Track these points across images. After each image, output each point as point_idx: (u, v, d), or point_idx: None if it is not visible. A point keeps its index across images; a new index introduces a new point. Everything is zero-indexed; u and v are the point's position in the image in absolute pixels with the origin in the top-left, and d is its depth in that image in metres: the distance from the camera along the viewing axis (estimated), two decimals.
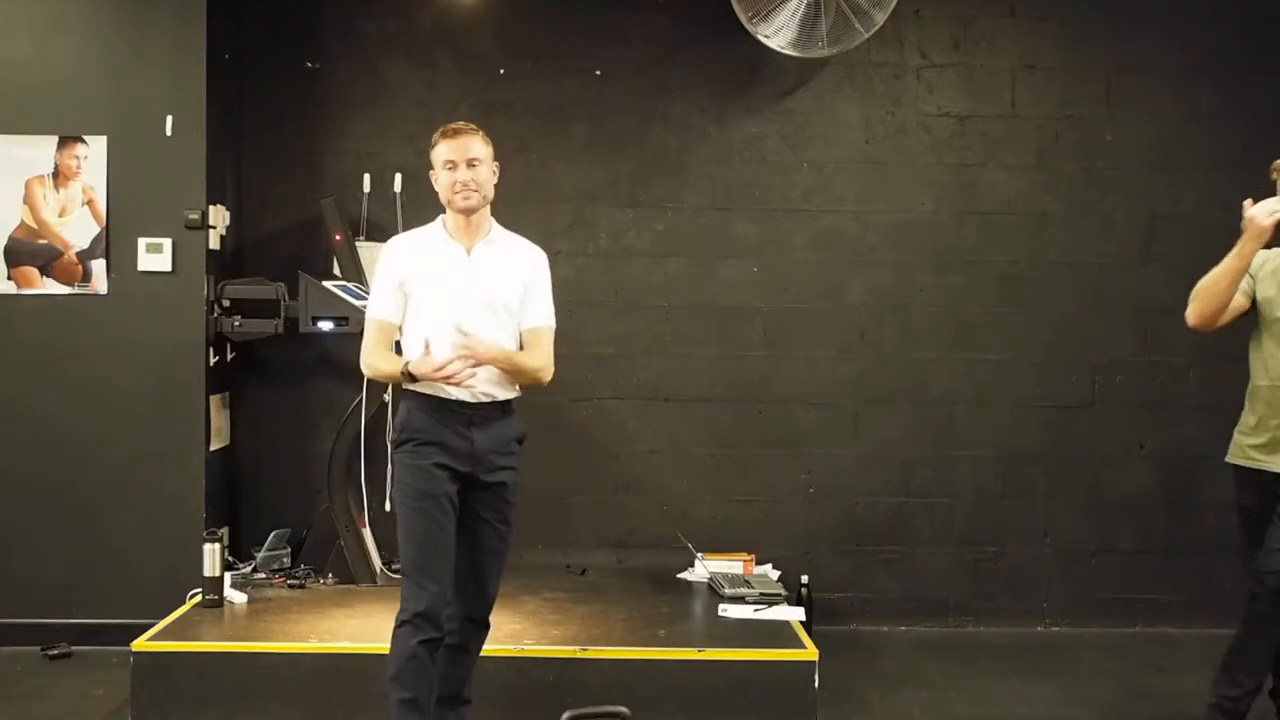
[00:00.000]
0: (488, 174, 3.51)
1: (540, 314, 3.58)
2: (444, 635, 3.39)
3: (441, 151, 3.49)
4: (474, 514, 3.49)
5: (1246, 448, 3.86)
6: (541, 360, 3.55)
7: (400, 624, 3.35)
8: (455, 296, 3.44)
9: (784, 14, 5.09)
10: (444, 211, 3.55)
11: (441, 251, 3.51)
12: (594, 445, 5.50)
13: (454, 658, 3.54)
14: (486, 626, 3.60)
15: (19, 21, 4.96)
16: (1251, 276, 3.83)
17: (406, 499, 3.42)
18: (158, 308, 4.97)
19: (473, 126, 3.54)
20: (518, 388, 3.56)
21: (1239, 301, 3.82)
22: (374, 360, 3.50)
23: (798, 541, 5.49)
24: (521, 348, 3.55)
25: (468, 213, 3.48)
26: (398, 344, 3.56)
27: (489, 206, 3.56)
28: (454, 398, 3.41)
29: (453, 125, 3.55)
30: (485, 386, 3.44)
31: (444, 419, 3.40)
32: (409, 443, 3.44)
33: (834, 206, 5.53)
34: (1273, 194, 3.70)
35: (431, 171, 3.54)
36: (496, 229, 3.60)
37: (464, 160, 3.46)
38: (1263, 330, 3.84)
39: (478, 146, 3.50)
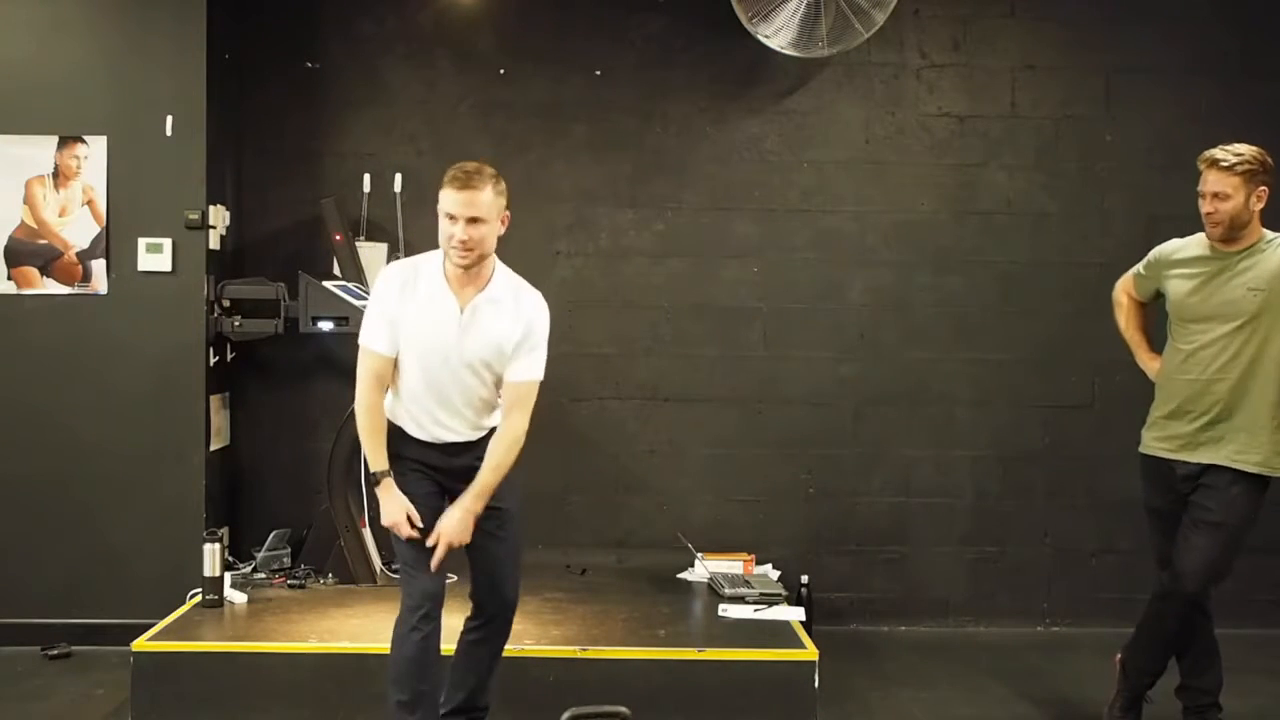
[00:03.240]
0: (491, 230, 3.26)
1: (528, 369, 3.39)
2: (440, 620, 3.37)
3: (445, 200, 3.25)
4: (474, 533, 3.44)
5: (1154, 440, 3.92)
6: (516, 429, 3.39)
7: (399, 621, 3.36)
8: (440, 364, 3.35)
9: (784, 14, 5.09)
10: None
11: (435, 303, 3.33)
12: (594, 445, 5.50)
13: (473, 654, 3.54)
14: (509, 624, 3.59)
15: (19, 21, 4.96)
16: (1157, 266, 3.89)
17: None
18: (158, 308, 4.96)
19: (488, 174, 3.26)
20: (495, 415, 3.49)
21: (1144, 297, 4.01)
22: (366, 404, 3.39)
23: (798, 541, 5.49)
24: (500, 387, 3.44)
25: (464, 267, 3.30)
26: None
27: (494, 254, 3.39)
28: (432, 439, 3.42)
29: (464, 170, 3.25)
30: (458, 436, 3.44)
31: (424, 449, 3.44)
32: (391, 460, 3.42)
33: (834, 206, 5.53)
34: (1200, 183, 3.79)
35: (439, 205, 3.29)
36: (499, 278, 3.38)
37: (465, 217, 3.21)
38: (1173, 325, 3.87)
39: (485, 201, 3.22)
